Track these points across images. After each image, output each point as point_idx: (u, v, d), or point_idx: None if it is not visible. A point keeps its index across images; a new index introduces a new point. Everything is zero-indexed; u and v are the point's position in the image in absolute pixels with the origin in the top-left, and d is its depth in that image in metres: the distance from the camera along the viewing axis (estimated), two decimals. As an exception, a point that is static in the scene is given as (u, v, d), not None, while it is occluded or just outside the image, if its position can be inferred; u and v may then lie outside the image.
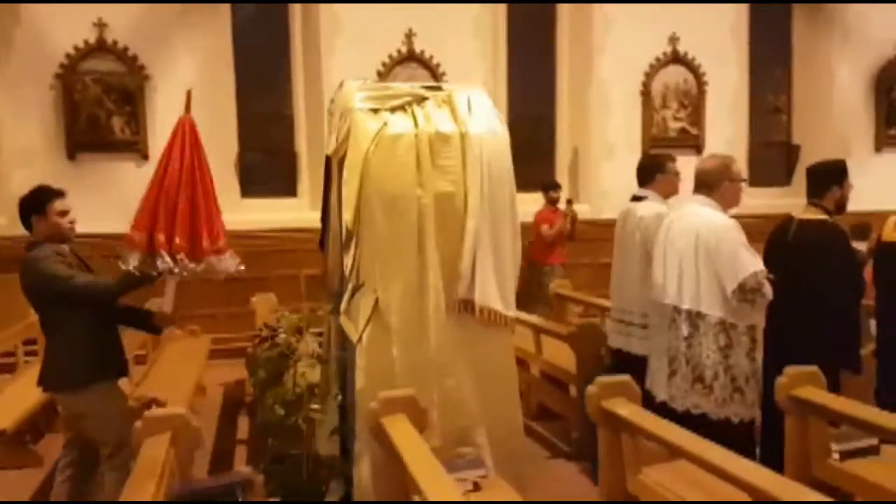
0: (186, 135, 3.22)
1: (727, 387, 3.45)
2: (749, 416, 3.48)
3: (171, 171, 3.16)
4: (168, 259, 3.09)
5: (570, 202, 7.74)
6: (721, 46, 9.05)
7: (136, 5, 7.53)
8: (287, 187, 8.52)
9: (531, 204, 8.94)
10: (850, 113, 9.49)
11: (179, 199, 3.14)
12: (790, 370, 3.08)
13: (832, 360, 3.69)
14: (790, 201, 9.43)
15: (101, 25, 7.45)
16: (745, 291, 3.36)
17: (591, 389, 2.98)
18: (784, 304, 3.75)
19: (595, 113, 8.89)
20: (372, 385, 3.00)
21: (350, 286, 3.18)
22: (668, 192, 4.26)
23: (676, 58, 8.88)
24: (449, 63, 8.36)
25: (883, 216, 7.53)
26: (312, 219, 8.04)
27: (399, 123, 3.17)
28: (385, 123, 3.13)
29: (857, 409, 2.90)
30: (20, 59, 7.29)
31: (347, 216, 3.12)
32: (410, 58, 8.25)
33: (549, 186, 7.84)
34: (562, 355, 5.03)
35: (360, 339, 3.10)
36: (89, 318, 3.27)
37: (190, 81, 7.50)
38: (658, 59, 8.86)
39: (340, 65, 8.08)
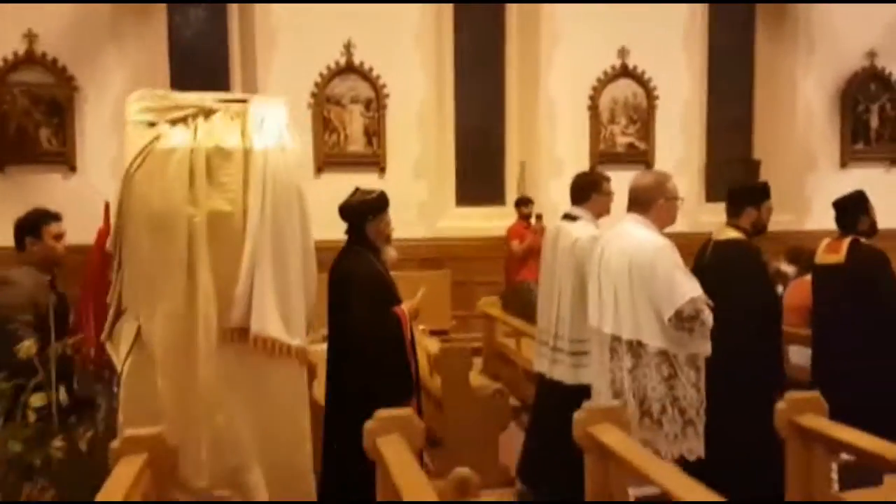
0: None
1: (677, 421, 3.28)
2: (701, 451, 3.30)
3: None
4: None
5: (539, 217, 7.58)
6: (673, 59, 8.79)
7: (66, 16, 7.53)
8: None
9: (477, 219, 8.83)
10: (814, 127, 9.18)
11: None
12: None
13: (761, 385, 3.58)
14: (750, 219, 9.17)
15: (30, 36, 7.46)
16: (683, 319, 3.18)
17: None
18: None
19: (542, 127, 8.69)
20: (133, 421, 2.79)
21: (111, 312, 3.02)
22: (601, 211, 4.13)
23: (626, 71, 8.66)
24: (390, 75, 8.24)
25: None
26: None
27: (175, 137, 2.98)
28: (157, 137, 2.97)
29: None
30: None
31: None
32: (349, 69, 8.13)
33: (520, 202, 7.77)
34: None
35: (121, 370, 2.93)
36: None
37: (120, 91, 7.55)
38: (606, 73, 8.62)
39: (276, 77, 8.04)
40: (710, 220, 9.16)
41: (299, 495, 3.05)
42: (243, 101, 3.26)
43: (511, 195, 9.05)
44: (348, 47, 8.11)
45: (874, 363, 4.22)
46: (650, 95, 8.70)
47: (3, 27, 7.38)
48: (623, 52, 8.64)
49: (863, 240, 4.41)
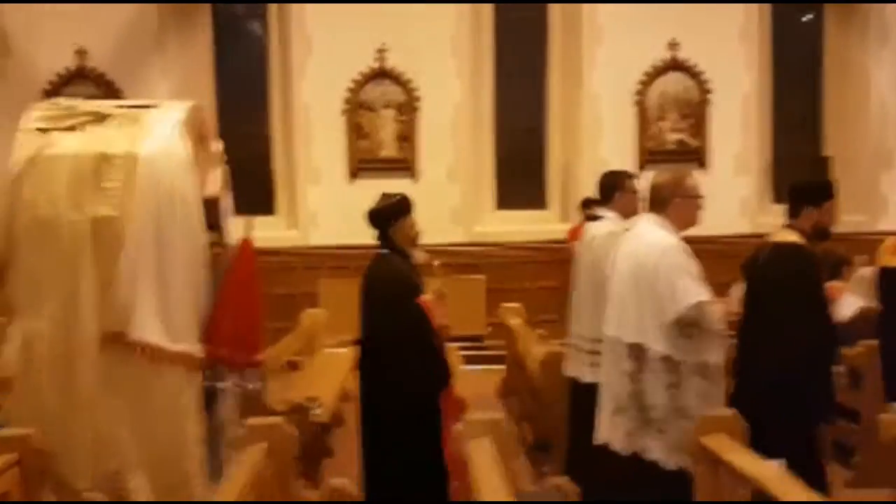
0: (248, 257, 3.56)
1: (680, 431, 3.10)
2: None
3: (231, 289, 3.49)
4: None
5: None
6: (729, 52, 8.21)
7: (114, 32, 7.94)
8: (264, 205, 8.62)
9: (518, 223, 8.57)
10: (890, 122, 8.29)
11: (239, 315, 3.47)
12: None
13: (802, 415, 3.44)
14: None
15: (81, 52, 7.91)
16: (685, 324, 3.04)
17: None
18: (748, 338, 3.67)
19: (586, 126, 8.32)
20: (21, 420, 2.87)
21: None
22: (628, 211, 4.01)
23: (676, 64, 8.14)
24: (423, 78, 8.17)
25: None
26: (290, 237, 8.29)
27: (64, 143, 3.05)
28: (47, 143, 3.02)
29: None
30: (6, 85, 7.87)
31: (-1, 243, 3.04)
32: (382, 74, 8.10)
33: (586, 203, 7.57)
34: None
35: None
36: None
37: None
38: (654, 67, 8.14)
39: (310, 83, 8.16)
40: (775, 221, 8.44)
41: (186, 499, 3.04)
42: (150, 107, 3.30)
43: (553, 198, 8.74)
44: (381, 52, 8.08)
45: None
46: (703, 89, 8.14)
47: (55, 44, 7.86)
48: (673, 45, 8.12)
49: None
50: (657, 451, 3.11)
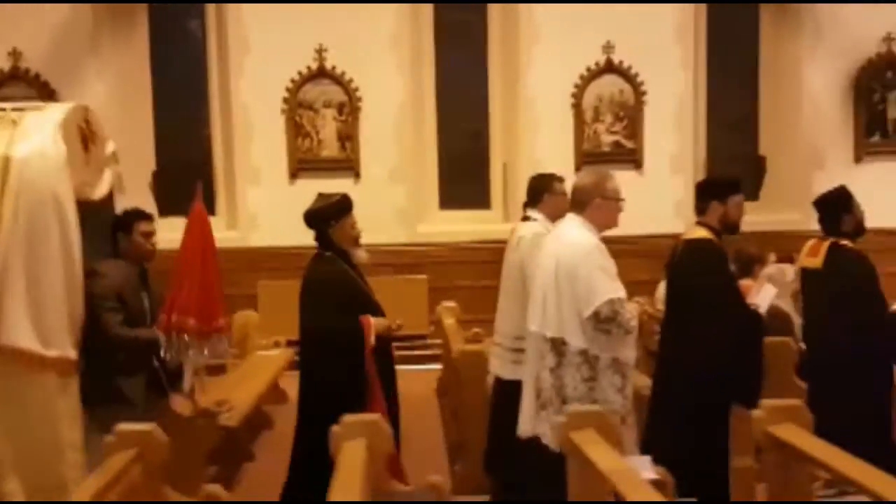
0: (197, 222, 3.62)
1: None
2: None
3: (185, 258, 3.55)
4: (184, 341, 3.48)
5: None
6: (664, 54, 8.32)
7: (49, 35, 7.84)
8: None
9: (462, 223, 8.64)
10: (823, 120, 8.49)
11: (193, 282, 3.50)
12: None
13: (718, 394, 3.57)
14: (758, 217, 8.60)
15: (15, 54, 7.81)
16: (600, 320, 3.16)
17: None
18: (668, 334, 3.83)
19: (524, 128, 8.42)
20: None
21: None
22: (558, 213, 4.05)
23: (611, 67, 8.25)
24: (364, 78, 8.19)
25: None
26: (230, 238, 8.25)
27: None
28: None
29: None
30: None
31: None
32: (321, 74, 8.12)
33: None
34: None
35: None
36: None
37: (100, 102, 7.84)
38: (589, 70, 8.26)
39: (249, 83, 8.14)
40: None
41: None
42: (33, 109, 3.31)
43: (496, 198, 8.83)
44: (320, 51, 8.09)
45: (856, 373, 3.97)
46: (638, 91, 8.27)
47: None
48: (608, 48, 8.24)
49: (845, 242, 4.03)
50: None
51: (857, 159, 8.46)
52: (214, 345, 3.61)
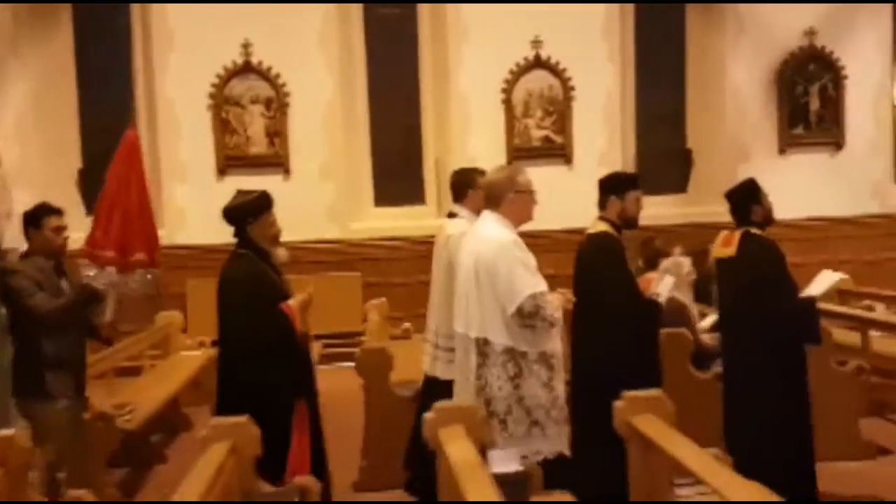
0: (127, 149, 3.43)
1: (523, 421, 3.22)
2: (553, 451, 3.26)
3: (110, 186, 3.57)
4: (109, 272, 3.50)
5: None
6: (592, 49, 8.40)
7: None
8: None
9: (397, 220, 8.61)
10: (747, 113, 8.66)
11: (116, 212, 3.54)
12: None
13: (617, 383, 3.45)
14: (687, 210, 8.77)
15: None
16: (524, 316, 3.15)
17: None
18: (577, 325, 3.86)
19: (455, 124, 8.42)
20: None
21: None
22: (480, 208, 3.93)
23: (539, 62, 8.29)
24: (291, 74, 8.11)
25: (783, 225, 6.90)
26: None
27: None
28: None
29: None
30: None
31: None
32: (248, 69, 8.01)
33: None
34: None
35: None
36: (53, 333, 3.62)
37: (26, 102, 7.68)
38: (518, 65, 8.29)
39: (174, 79, 8.01)
40: (645, 213, 8.75)
41: None
42: None
43: (431, 194, 8.82)
44: (246, 46, 7.99)
45: (769, 358, 3.94)
46: (566, 86, 8.32)
47: None
48: (536, 43, 8.29)
49: (756, 231, 4.09)
50: (503, 443, 3.19)
51: (782, 151, 8.64)
52: (140, 279, 3.59)
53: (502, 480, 2.61)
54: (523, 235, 3.34)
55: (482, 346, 3.23)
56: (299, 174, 8.16)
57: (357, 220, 8.45)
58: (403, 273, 8.21)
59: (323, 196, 8.21)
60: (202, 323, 6.72)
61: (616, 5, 8.44)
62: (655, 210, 8.78)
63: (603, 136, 8.51)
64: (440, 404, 2.80)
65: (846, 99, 8.60)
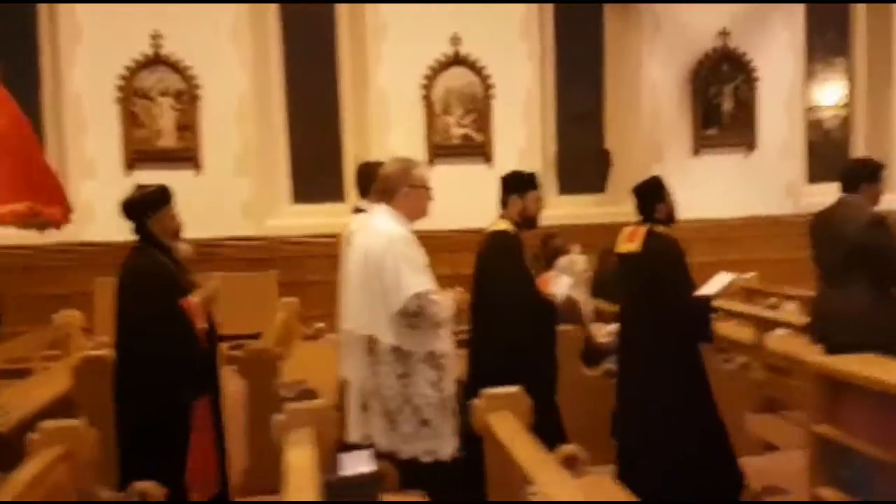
0: None
1: (411, 420, 3.17)
2: (444, 452, 3.19)
3: None
4: None
5: None
6: (510, 46, 8.41)
7: None
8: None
9: (316, 217, 8.47)
10: (663, 113, 8.77)
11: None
12: (488, 392, 2.91)
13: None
14: (605, 209, 8.83)
15: None
16: (408, 315, 3.08)
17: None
18: (474, 324, 3.91)
19: (374, 121, 8.33)
20: None
21: None
22: None
23: (459, 60, 8.25)
24: (203, 67, 7.90)
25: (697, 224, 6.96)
26: (62, 233, 7.82)
27: None
28: None
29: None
30: None
31: None
32: (157, 61, 7.78)
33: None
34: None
35: None
36: None
37: None
38: (438, 62, 8.24)
39: (82, 72, 7.75)
40: (565, 212, 8.82)
41: None
42: None
43: (350, 192, 8.70)
44: (156, 38, 7.76)
45: (664, 353, 3.98)
46: (486, 84, 8.30)
47: None
48: (455, 40, 8.25)
49: (660, 228, 4.10)
50: (394, 441, 3.17)
51: (695, 151, 8.78)
52: None
53: (352, 482, 2.57)
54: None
55: (370, 343, 3.18)
56: (212, 169, 7.97)
57: (273, 217, 8.30)
58: (321, 271, 8.03)
59: (237, 192, 8.03)
60: (109, 322, 6.50)
61: (535, 4, 8.44)
62: (575, 209, 8.89)
63: (522, 134, 8.52)
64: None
65: (759, 100, 8.77)
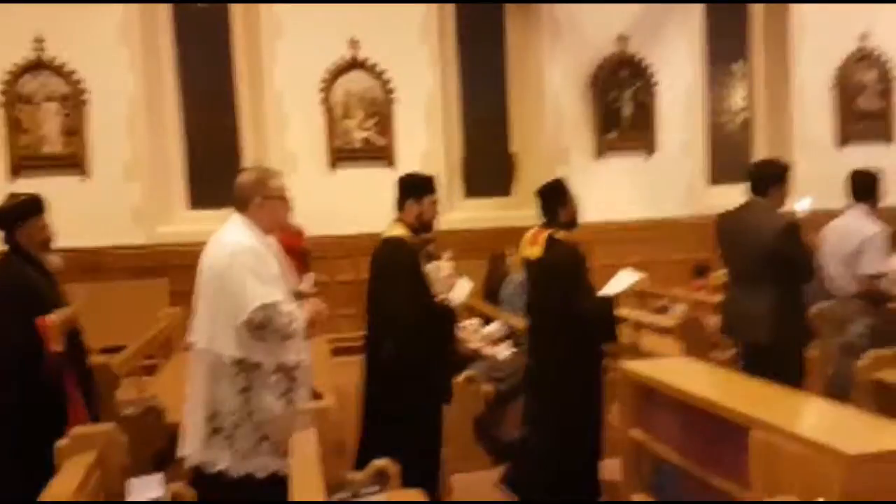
0: None
1: (250, 436, 3.04)
2: (284, 466, 2.99)
3: None
4: None
5: None
6: (411, 50, 8.35)
7: None
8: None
9: (214, 223, 8.23)
10: (565, 117, 8.82)
11: None
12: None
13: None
14: (511, 213, 8.82)
15: None
16: (253, 327, 2.95)
17: None
18: (368, 330, 3.88)
19: (272, 124, 8.18)
20: None
21: None
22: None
23: (356, 63, 8.16)
24: (90, 70, 7.64)
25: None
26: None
27: None
28: None
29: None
30: None
31: None
32: (40, 65, 7.51)
33: None
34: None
35: None
36: None
37: None
38: (336, 65, 8.13)
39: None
40: (471, 216, 8.81)
41: None
42: None
43: (251, 196, 8.54)
44: (39, 41, 7.48)
45: (566, 358, 3.99)
46: (386, 88, 8.23)
47: None
48: (353, 44, 8.15)
49: (561, 233, 4.06)
50: (226, 459, 3.06)
51: (598, 154, 8.85)
52: None
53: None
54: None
55: (212, 357, 3.09)
56: (100, 175, 7.70)
57: (166, 224, 8.07)
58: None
59: (127, 198, 7.78)
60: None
61: (434, 6, 8.41)
62: (480, 213, 8.88)
63: (425, 138, 8.47)
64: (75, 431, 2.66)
65: (657, 104, 8.89)
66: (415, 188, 3.94)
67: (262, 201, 3.22)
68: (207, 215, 8.38)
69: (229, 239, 3.14)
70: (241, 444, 3.06)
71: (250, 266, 3.05)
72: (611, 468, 3.83)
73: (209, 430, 3.07)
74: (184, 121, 8.31)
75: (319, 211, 7.95)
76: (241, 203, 3.26)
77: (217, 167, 8.45)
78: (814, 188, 5.74)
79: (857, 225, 4.34)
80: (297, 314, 3.13)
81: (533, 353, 4.23)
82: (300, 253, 7.84)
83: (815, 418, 2.55)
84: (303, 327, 3.15)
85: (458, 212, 8.87)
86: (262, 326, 3.01)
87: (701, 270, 7.75)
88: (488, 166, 9.06)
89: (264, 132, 8.24)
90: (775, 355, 3.88)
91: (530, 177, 8.90)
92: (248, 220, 3.21)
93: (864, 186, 4.43)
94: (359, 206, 7.60)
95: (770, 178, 4.12)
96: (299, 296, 3.35)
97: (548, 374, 4.06)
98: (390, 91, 8.26)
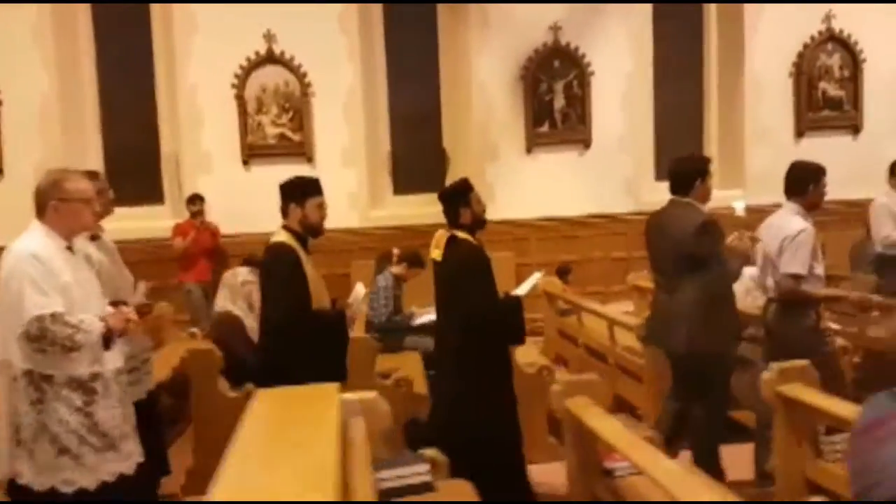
0: None
1: (48, 450, 2.95)
2: (95, 481, 2.99)
3: None
4: None
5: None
6: (329, 44, 8.12)
7: None
8: None
9: (132, 220, 8.20)
10: (496, 112, 8.47)
11: None
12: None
13: None
14: (439, 209, 8.51)
15: None
16: (30, 339, 2.85)
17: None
18: (260, 335, 3.83)
19: (186, 119, 8.06)
20: None
21: None
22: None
23: (272, 58, 7.97)
24: (2, 70, 7.63)
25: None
26: None
27: None
28: None
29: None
30: None
31: None
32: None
33: (190, 199, 7.65)
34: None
35: None
36: None
37: None
38: (250, 60, 7.96)
39: None
40: (400, 212, 8.55)
41: None
42: None
43: (171, 193, 8.46)
44: (-52, 41, 7.51)
45: (471, 359, 3.79)
46: (303, 83, 8.03)
47: None
48: (269, 37, 7.96)
49: (462, 234, 3.86)
50: (27, 474, 2.96)
51: (529, 150, 8.48)
52: None
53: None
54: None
55: (7, 368, 2.96)
56: (13, 175, 7.71)
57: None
58: (135, 276, 7.83)
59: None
60: None
61: (354, 3, 8.15)
62: (410, 209, 8.60)
63: (345, 133, 8.26)
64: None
65: (593, 96, 8.46)
66: (295, 192, 3.72)
67: (57, 204, 3.06)
68: (125, 213, 8.33)
69: (17, 246, 2.99)
70: (40, 457, 2.94)
71: (29, 274, 2.90)
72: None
73: (14, 442, 2.98)
74: (101, 118, 8.29)
75: (234, 208, 7.83)
76: (38, 208, 3.10)
77: (135, 165, 8.42)
78: (768, 183, 5.37)
79: (781, 222, 3.99)
80: (87, 325, 2.96)
81: (438, 356, 4.08)
82: (214, 251, 7.75)
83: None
84: (95, 339, 2.97)
85: (385, 209, 8.64)
86: (38, 339, 2.87)
87: (564, 271, 7.45)
88: (419, 162, 8.78)
89: (179, 130, 8.12)
90: (696, 362, 3.84)
91: (463, 172, 8.50)
92: (45, 225, 3.05)
93: (795, 181, 4.05)
94: (274, 203, 7.41)
95: (690, 175, 3.98)
96: (115, 305, 3.20)
97: (453, 376, 3.88)
98: (307, 85, 8.06)
